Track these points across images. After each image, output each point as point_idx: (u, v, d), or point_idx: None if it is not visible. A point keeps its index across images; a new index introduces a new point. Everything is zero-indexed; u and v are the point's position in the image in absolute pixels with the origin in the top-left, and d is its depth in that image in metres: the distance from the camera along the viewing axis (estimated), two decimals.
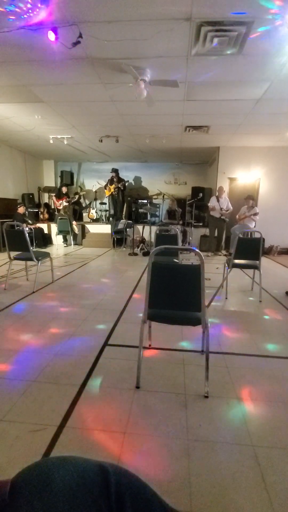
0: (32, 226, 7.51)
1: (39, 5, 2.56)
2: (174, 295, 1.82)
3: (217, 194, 7.12)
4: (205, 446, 1.34)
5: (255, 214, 6.58)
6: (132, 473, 0.47)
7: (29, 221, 7.59)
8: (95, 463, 0.44)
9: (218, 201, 7.00)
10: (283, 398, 1.70)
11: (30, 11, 2.64)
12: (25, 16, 2.70)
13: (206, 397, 1.69)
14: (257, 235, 3.80)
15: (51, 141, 7.23)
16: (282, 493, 1.12)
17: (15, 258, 3.89)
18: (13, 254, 3.89)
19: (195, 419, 1.51)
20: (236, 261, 3.70)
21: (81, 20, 2.73)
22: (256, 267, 3.70)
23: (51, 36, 2.85)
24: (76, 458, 0.45)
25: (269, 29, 2.75)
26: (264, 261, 5.53)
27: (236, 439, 1.38)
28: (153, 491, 0.48)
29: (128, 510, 0.40)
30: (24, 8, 2.62)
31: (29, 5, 2.57)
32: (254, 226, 6.69)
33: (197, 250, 1.75)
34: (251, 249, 3.67)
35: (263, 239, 3.91)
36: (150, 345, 2.29)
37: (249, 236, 5.58)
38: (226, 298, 3.68)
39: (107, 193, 8.66)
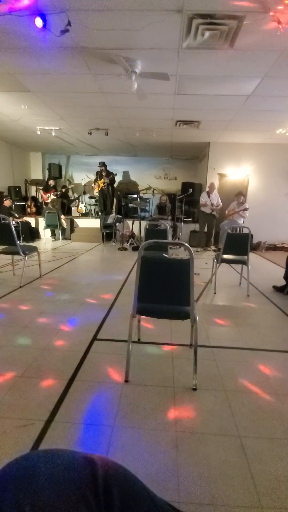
0: (18, 220, 7.35)
1: None
2: (164, 290, 1.83)
3: (207, 190, 7.16)
4: (193, 438, 1.36)
5: (245, 210, 6.66)
6: (120, 465, 0.46)
7: (16, 215, 7.43)
8: (82, 455, 0.44)
9: (209, 196, 7.04)
10: (269, 390, 1.74)
11: None
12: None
13: (195, 389, 1.71)
14: (245, 231, 3.85)
15: (39, 133, 7.06)
16: (268, 482, 1.15)
17: (1, 252, 3.81)
18: None
19: (183, 411, 1.53)
20: (225, 256, 3.74)
21: (70, 7, 2.66)
22: (244, 263, 3.76)
23: (39, 22, 2.76)
24: (63, 451, 0.44)
25: (261, 23, 2.75)
26: (252, 257, 5.62)
27: (223, 430, 1.41)
28: (141, 482, 0.49)
29: (116, 502, 0.40)
30: None
31: None
32: (243, 222, 6.78)
33: (186, 245, 1.76)
34: (239, 245, 3.72)
35: (251, 235, 3.96)
36: (139, 339, 2.30)
37: (238, 232, 5.66)
38: (215, 292, 3.73)
39: (97, 189, 8.55)
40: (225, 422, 1.46)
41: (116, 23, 2.85)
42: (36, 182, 9.86)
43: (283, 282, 3.82)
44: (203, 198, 7.04)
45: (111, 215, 8.20)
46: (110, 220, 8.02)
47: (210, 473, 1.18)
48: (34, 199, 9.42)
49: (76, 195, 10.12)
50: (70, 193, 9.75)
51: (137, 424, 1.43)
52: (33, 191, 10.01)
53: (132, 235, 7.75)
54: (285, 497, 1.09)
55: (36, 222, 8.58)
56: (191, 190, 7.83)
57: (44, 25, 2.79)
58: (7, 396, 1.60)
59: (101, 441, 1.32)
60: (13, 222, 6.93)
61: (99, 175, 8.47)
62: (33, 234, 8.09)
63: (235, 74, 3.83)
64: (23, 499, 0.36)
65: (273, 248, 7.78)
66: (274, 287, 3.92)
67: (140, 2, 2.55)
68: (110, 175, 8.42)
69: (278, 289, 3.84)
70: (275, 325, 2.78)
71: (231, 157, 7.74)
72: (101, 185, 8.37)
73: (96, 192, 8.73)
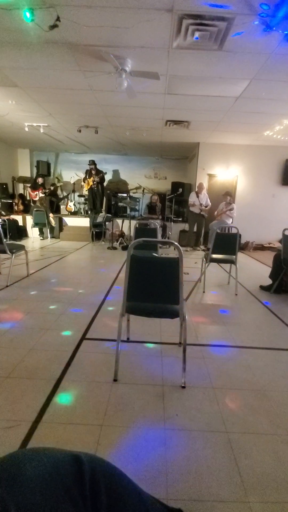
0: (5, 218, 7.21)
1: None
2: (153, 288, 1.83)
3: (196, 190, 7.22)
4: (182, 435, 1.37)
5: (231, 209, 6.76)
6: (107, 462, 0.47)
7: (3, 212, 7.29)
8: (69, 453, 0.43)
9: (198, 197, 7.10)
10: (255, 386, 1.78)
11: None
12: None
13: (183, 387, 1.73)
14: (234, 231, 3.91)
15: (27, 129, 6.94)
16: (254, 476, 1.17)
17: None
18: None
19: (172, 409, 1.54)
20: (214, 256, 3.79)
21: (59, 2, 2.62)
22: (232, 262, 3.81)
23: (27, 17, 2.71)
24: (50, 449, 0.44)
25: (250, 26, 2.79)
26: (240, 256, 5.71)
27: (211, 427, 1.43)
28: (128, 478, 0.49)
29: (103, 498, 0.40)
30: None
31: None
32: (231, 222, 6.87)
33: (176, 244, 1.77)
34: (228, 244, 3.77)
35: (240, 235, 4.03)
36: (128, 338, 2.30)
37: (226, 232, 5.73)
38: (204, 291, 3.77)
39: (86, 187, 8.48)
40: (213, 419, 1.48)
41: (106, 20, 2.84)
42: (23, 180, 9.69)
43: (270, 281, 3.90)
44: (192, 198, 7.10)
45: (100, 214, 8.15)
46: (99, 219, 7.97)
47: (198, 469, 1.19)
48: (22, 196, 9.25)
49: (65, 193, 10.01)
50: (59, 191, 9.63)
51: (125, 423, 1.43)
52: (20, 188, 9.83)
53: (121, 234, 7.73)
54: (270, 492, 1.11)
55: (24, 220, 8.43)
56: (181, 190, 7.88)
57: (33, 20, 2.74)
58: None
59: (90, 441, 1.31)
60: (0, 220, 6.80)
61: (88, 173, 8.41)
62: (21, 232, 7.95)
63: (224, 76, 3.88)
64: (8, 498, 0.36)
65: (261, 248, 7.93)
66: (261, 286, 4.00)
67: (131, 0, 2.54)
68: (100, 174, 8.36)
69: (265, 288, 3.92)
70: (262, 324, 2.84)
71: (220, 157, 7.84)
72: (91, 183, 8.30)
73: (85, 191, 8.66)
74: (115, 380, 1.76)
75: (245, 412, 1.54)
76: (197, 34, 2.94)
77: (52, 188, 8.82)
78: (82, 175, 8.89)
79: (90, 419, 1.44)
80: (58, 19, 2.79)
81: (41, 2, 2.62)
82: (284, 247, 3.71)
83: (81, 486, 0.40)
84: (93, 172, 8.28)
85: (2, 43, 3.30)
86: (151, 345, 2.26)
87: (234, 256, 3.78)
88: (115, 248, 7.01)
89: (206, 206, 7.09)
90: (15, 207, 8.91)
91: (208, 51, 3.27)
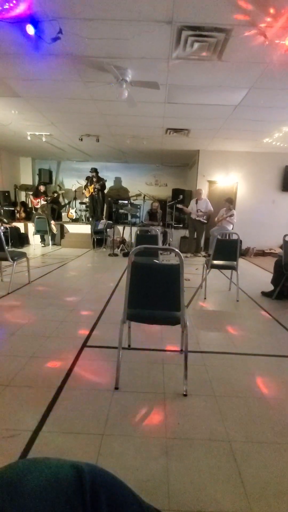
0: (7, 225, 7.26)
1: None
2: (154, 295, 1.83)
3: (195, 196, 7.30)
4: (184, 444, 1.35)
5: (231, 216, 6.78)
6: (107, 472, 0.46)
7: (5, 220, 7.34)
8: (69, 463, 0.43)
9: (196, 203, 7.16)
10: (258, 394, 1.76)
11: (9, 2, 2.56)
12: (5, 6, 2.61)
13: (185, 395, 1.71)
14: (234, 237, 3.92)
15: (29, 138, 7.04)
16: (257, 486, 1.15)
17: None
18: None
19: (173, 418, 1.52)
20: (215, 262, 3.79)
21: (61, 15, 2.69)
22: (233, 268, 3.81)
23: (30, 30, 2.78)
24: (50, 459, 0.44)
25: (247, 37, 2.85)
26: (241, 262, 5.71)
27: (213, 436, 1.41)
28: (129, 488, 0.48)
29: (103, 507, 0.40)
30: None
31: None
32: (232, 228, 6.89)
33: (176, 250, 1.77)
34: (229, 251, 3.78)
35: (241, 241, 4.03)
36: (129, 346, 2.29)
37: (227, 238, 5.74)
38: (205, 298, 3.76)
39: (87, 194, 8.55)
40: (215, 427, 1.47)
41: (107, 32, 2.90)
42: (25, 187, 9.78)
43: (271, 287, 3.89)
44: (190, 205, 7.22)
45: (101, 221, 8.19)
46: (100, 226, 8.01)
47: (201, 479, 1.17)
48: (24, 204, 9.33)
49: (66, 201, 10.09)
50: (60, 199, 9.70)
51: (127, 432, 1.42)
52: (22, 196, 9.91)
53: (122, 241, 7.75)
54: (275, 502, 1.09)
55: (26, 228, 8.48)
56: (181, 196, 7.93)
57: (36, 33, 2.81)
58: None
59: (90, 450, 1.30)
60: (2, 228, 6.85)
61: (89, 180, 8.49)
62: (22, 239, 7.98)
63: (223, 85, 3.94)
64: (9, 509, 0.36)
65: (262, 254, 7.92)
66: (263, 292, 3.99)
67: (131, 13, 2.60)
68: (101, 181, 8.44)
69: (267, 294, 3.90)
70: (264, 330, 2.82)
71: (220, 164, 7.90)
72: (92, 190, 8.37)
73: (86, 198, 8.73)
74: (116, 388, 1.75)
75: (247, 421, 1.52)
76: (196, 45, 3.00)
77: (54, 195, 8.90)
78: (83, 183, 8.97)
79: (91, 428, 1.43)
80: (60, 31, 2.86)
81: (44, 15, 2.69)
82: (285, 253, 3.71)
83: (82, 495, 0.40)
84: (94, 179, 8.36)
85: (6, 54, 3.38)
86: (152, 353, 2.24)
87: (235, 262, 3.77)
88: (116, 255, 7.02)
89: (205, 212, 7.12)
90: (17, 215, 8.98)
91: (207, 61, 3.33)
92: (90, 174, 8.50)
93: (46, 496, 0.38)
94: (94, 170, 8.46)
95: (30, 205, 9.10)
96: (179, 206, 7.32)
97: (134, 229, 6.33)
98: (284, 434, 1.44)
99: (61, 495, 0.39)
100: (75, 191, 10.02)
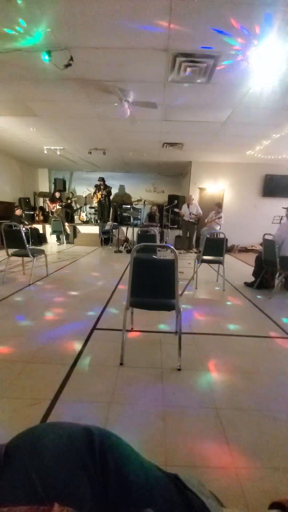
0: (28, 226, 7.24)
1: (34, 29, 2.45)
2: (153, 285, 1.83)
3: (187, 202, 7.29)
4: (178, 411, 1.36)
5: (219, 218, 6.75)
6: (113, 434, 0.47)
7: (26, 222, 7.32)
8: (81, 426, 0.44)
9: (188, 207, 7.15)
10: (241, 369, 1.77)
11: (26, 35, 2.52)
12: (22, 39, 2.58)
13: (179, 370, 1.72)
14: (221, 236, 3.90)
15: (45, 152, 6.99)
16: (240, 445, 1.17)
17: (13, 255, 3.74)
18: (11, 251, 3.74)
19: (169, 389, 1.53)
20: (204, 257, 3.78)
21: (72, 45, 2.65)
22: (220, 262, 3.80)
23: (45, 57, 2.75)
24: (65, 423, 0.44)
25: (233, 63, 2.81)
26: (227, 258, 5.69)
27: (203, 404, 1.42)
28: (131, 448, 0.49)
29: (110, 464, 0.41)
30: (22, 31, 2.49)
31: (24, 30, 2.45)
32: (219, 229, 6.85)
33: (172, 247, 1.77)
34: (216, 247, 3.76)
35: (227, 239, 4.02)
36: (132, 328, 2.30)
37: (215, 237, 5.71)
38: (196, 288, 3.76)
39: (95, 199, 8.51)
40: (205, 397, 1.48)
41: (111, 59, 2.86)
42: (43, 194, 9.74)
43: (253, 279, 3.89)
44: (182, 209, 7.22)
45: (108, 222, 8.16)
46: (107, 227, 7.98)
47: (192, 440, 1.19)
48: (42, 209, 9.29)
49: (78, 206, 10.05)
50: (73, 204, 9.66)
51: (130, 400, 1.43)
52: (40, 202, 9.87)
53: (126, 240, 7.73)
54: (255, 459, 1.10)
55: (44, 229, 8.46)
56: (176, 201, 7.88)
57: (50, 60, 2.77)
58: (18, 379, 1.57)
59: (100, 416, 1.31)
60: (23, 229, 6.82)
61: (97, 188, 8.44)
62: (41, 239, 7.97)
63: (212, 104, 3.89)
64: (29, 465, 0.36)
65: (245, 250, 7.90)
66: (245, 283, 3.98)
67: (132, 42, 2.57)
68: (107, 188, 8.40)
69: (249, 285, 3.90)
70: (246, 315, 2.82)
71: (209, 173, 7.84)
72: (99, 196, 8.33)
73: (95, 203, 8.69)
74: (121, 364, 1.76)
75: (232, 391, 1.54)
76: (188, 69, 2.96)
77: (68, 201, 8.87)
78: (92, 190, 8.93)
79: (100, 398, 1.44)
80: (71, 59, 2.82)
81: (57, 45, 2.65)
82: (265, 249, 3.70)
83: (92, 454, 0.40)
84: (102, 187, 8.31)
85: (25, 79, 3.34)
86: (151, 334, 2.25)
87: (221, 257, 3.76)
88: (120, 252, 7.01)
89: (196, 215, 7.12)
90: (36, 218, 8.95)
91: (198, 84, 3.28)
92: (98, 183, 8.45)
93: (61, 454, 0.38)
94: (102, 179, 8.40)
95: (47, 210, 9.06)
96: (176, 210, 7.36)
97: (136, 229, 6.30)
98: (263, 403, 1.45)
99: (75, 453, 0.39)
100: (86, 197, 9.97)
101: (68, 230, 8.10)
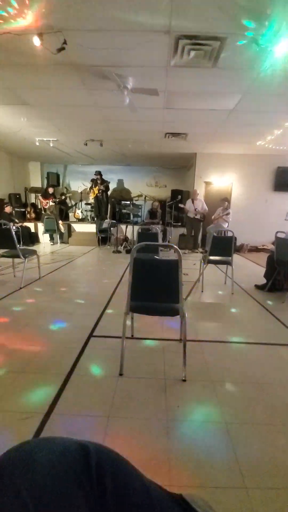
0: (18, 225, 7.26)
1: (25, 11, 2.46)
2: (155, 289, 1.83)
3: (192, 197, 7.29)
4: (183, 425, 1.36)
5: (227, 214, 6.74)
6: (112, 450, 0.47)
7: (16, 220, 7.34)
8: (76, 441, 0.43)
9: (193, 203, 7.14)
10: (252, 379, 1.76)
11: (17, 16, 2.53)
12: (13, 21, 2.59)
13: (184, 381, 1.72)
14: (229, 234, 3.90)
15: (37, 143, 7.01)
16: (251, 464, 1.16)
17: (3, 256, 3.75)
18: (0, 252, 3.75)
19: (173, 401, 1.53)
20: (211, 257, 3.78)
21: (66, 27, 2.66)
22: (228, 263, 3.80)
23: (37, 41, 2.76)
24: (59, 438, 0.44)
25: (241, 45, 2.80)
26: (236, 258, 5.68)
27: (210, 418, 1.42)
28: (132, 466, 0.49)
29: (108, 483, 0.40)
30: (12, 13, 2.50)
31: (16, 11, 2.46)
32: (227, 226, 6.85)
33: (175, 247, 1.77)
34: (224, 247, 3.76)
35: (235, 238, 4.01)
36: (132, 335, 2.30)
37: (223, 235, 5.71)
38: (202, 291, 3.75)
39: (92, 195, 8.53)
40: (212, 410, 1.47)
41: (108, 43, 2.87)
42: (35, 190, 9.77)
43: (264, 281, 3.88)
44: (187, 205, 7.19)
45: (106, 220, 8.18)
46: (105, 225, 8.00)
47: (199, 457, 1.18)
48: (34, 205, 9.32)
49: (73, 202, 10.07)
50: (67, 200, 9.68)
51: (131, 414, 1.43)
52: (32, 198, 9.90)
53: (125, 239, 7.74)
54: (267, 478, 1.10)
55: (36, 227, 8.48)
56: (179, 197, 7.89)
57: (42, 44, 2.78)
58: (9, 391, 1.58)
59: (98, 431, 1.31)
60: (14, 227, 6.83)
61: (94, 183, 8.46)
62: (33, 238, 7.99)
63: (219, 91, 3.89)
64: (20, 483, 0.36)
65: (255, 250, 7.88)
66: (256, 285, 3.98)
67: (131, 24, 2.57)
68: (105, 183, 8.41)
69: (260, 287, 3.89)
70: (257, 321, 2.82)
71: (216, 166, 7.84)
72: (96, 192, 8.35)
73: (91, 199, 8.70)
74: (120, 374, 1.76)
75: (242, 404, 1.53)
76: (192, 53, 2.96)
77: (62, 197, 8.89)
78: (88, 185, 8.95)
79: (98, 411, 1.44)
80: (65, 42, 2.83)
81: (49, 27, 2.66)
82: (277, 249, 3.69)
83: (88, 471, 0.40)
84: (99, 181, 8.32)
85: (15, 65, 3.35)
86: (153, 342, 2.25)
87: (230, 258, 3.76)
88: (119, 252, 7.02)
89: (202, 211, 7.12)
90: (28, 215, 8.98)
91: (203, 68, 3.28)
92: (94, 177, 8.47)
93: (55, 471, 0.38)
94: (99, 173, 8.42)
95: (39, 206, 9.09)
96: (180, 205, 7.35)
97: (136, 227, 6.31)
98: (275, 416, 1.45)
99: (69, 471, 0.39)
100: (81, 192, 10.00)
101: (62, 229, 8.12)
